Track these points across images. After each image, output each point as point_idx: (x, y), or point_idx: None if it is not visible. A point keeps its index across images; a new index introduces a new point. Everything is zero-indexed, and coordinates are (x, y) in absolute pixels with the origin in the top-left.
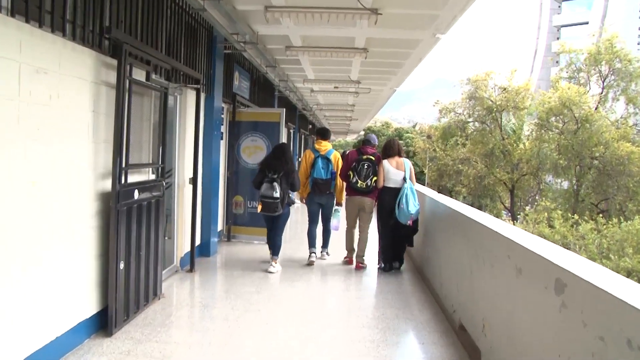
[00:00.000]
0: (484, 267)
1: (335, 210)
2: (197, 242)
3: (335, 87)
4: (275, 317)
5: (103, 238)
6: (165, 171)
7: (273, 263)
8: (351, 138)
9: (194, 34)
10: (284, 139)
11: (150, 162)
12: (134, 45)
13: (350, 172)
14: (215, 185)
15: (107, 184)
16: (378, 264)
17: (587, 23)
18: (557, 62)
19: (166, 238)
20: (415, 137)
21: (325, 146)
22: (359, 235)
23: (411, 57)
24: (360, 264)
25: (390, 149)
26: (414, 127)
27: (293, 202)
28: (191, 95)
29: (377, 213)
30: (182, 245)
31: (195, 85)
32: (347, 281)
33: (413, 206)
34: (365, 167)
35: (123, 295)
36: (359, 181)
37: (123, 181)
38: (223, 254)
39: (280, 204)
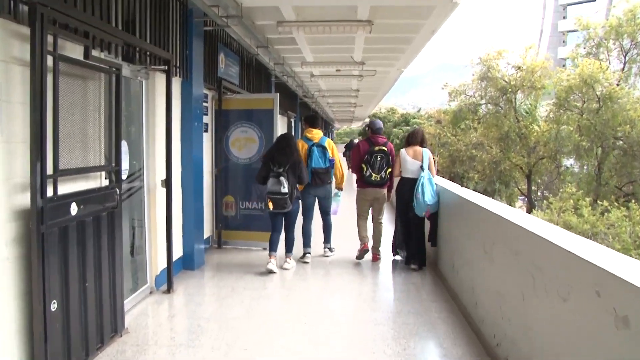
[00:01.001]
0: (547, 297)
1: (335, 194)
2: (178, 254)
3: (337, 70)
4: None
5: (26, 271)
6: (121, 175)
7: (288, 260)
8: (356, 125)
9: (163, 6)
10: (278, 129)
11: (100, 164)
12: (59, 10)
13: (364, 165)
14: (199, 185)
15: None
16: (393, 254)
17: (594, 0)
18: (563, 41)
19: (133, 256)
20: (423, 122)
21: (317, 134)
22: (374, 227)
23: (423, 29)
24: (377, 255)
25: (412, 138)
26: (418, 112)
27: (300, 197)
28: (162, 80)
29: (396, 204)
30: (157, 261)
31: (162, 67)
32: (360, 297)
33: (430, 197)
34: (379, 158)
35: (60, 343)
36: (373, 174)
37: (51, 193)
38: (212, 264)
39: (289, 199)
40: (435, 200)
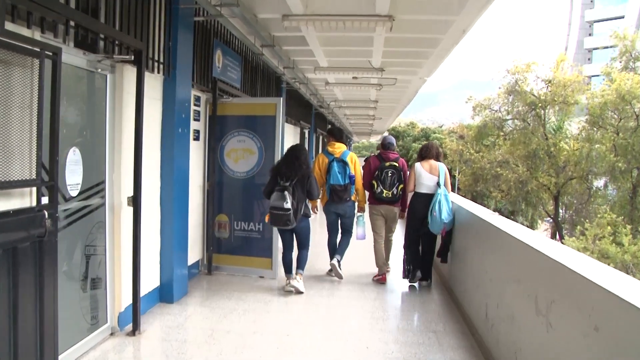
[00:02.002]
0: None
1: (359, 217)
2: (154, 284)
3: (354, 78)
4: None
5: None
6: (56, 192)
7: (297, 277)
8: (375, 139)
9: None
10: (287, 141)
11: (29, 177)
12: None
13: (374, 182)
14: (182, 202)
15: None
16: (403, 274)
17: (622, 17)
18: (589, 59)
19: (87, 290)
20: (444, 137)
21: (339, 148)
22: (384, 244)
23: (452, 28)
24: (384, 274)
25: (427, 152)
26: (440, 127)
27: (309, 214)
28: (133, 76)
29: (407, 220)
30: (121, 295)
31: (125, 57)
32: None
33: (446, 214)
34: (390, 174)
35: None
36: (384, 190)
37: None
38: (198, 295)
39: (293, 216)
40: (451, 218)
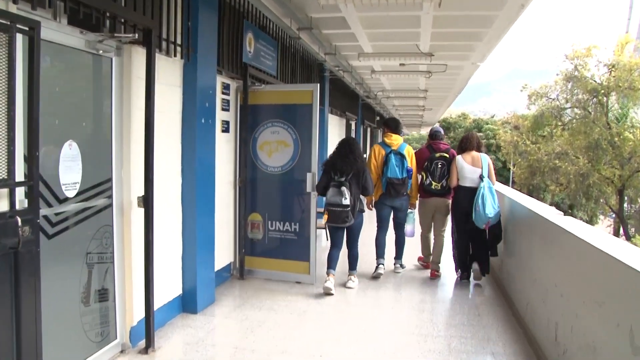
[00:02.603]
0: None
1: (409, 213)
2: (175, 292)
3: (401, 65)
4: None
5: None
6: (37, 194)
7: (352, 278)
8: (425, 131)
9: None
10: (329, 133)
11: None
12: None
13: (423, 173)
14: (206, 201)
15: None
16: (456, 272)
17: None
18: None
19: (90, 304)
20: (498, 128)
21: (396, 140)
22: (434, 240)
23: (508, 3)
24: (436, 272)
25: (467, 143)
26: (492, 117)
27: (364, 210)
28: (143, 58)
29: (452, 216)
30: (132, 307)
31: (128, 35)
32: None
33: (491, 208)
34: (439, 166)
35: None
36: (433, 182)
37: None
38: (225, 304)
39: (351, 212)
40: (497, 211)
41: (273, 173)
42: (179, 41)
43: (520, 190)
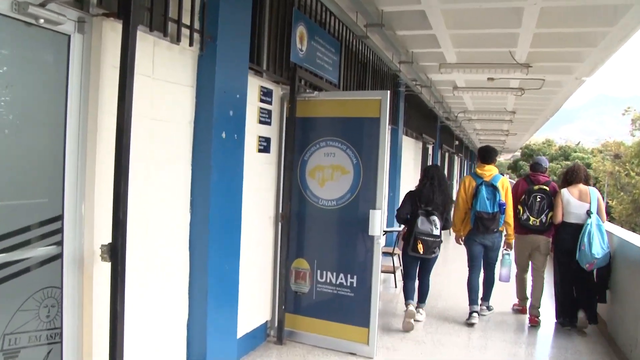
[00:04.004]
0: None
1: (505, 254)
2: None
3: (489, 80)
4: None
5: None
6: None
7: (420, 310)
8: (505, 158)
9: None
10: (403, 156)
11: None
12: None
13: (520, 207)
14: (229, 244)
15: None
16: (556, 318)
17: None
18: None
19: None
20: (587, 156)
21: (489, 170)
22: (533, 281)
23: None
24: (535, 318)
25: (574, 175)
26: (577, 144)
27: (441, 241)
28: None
29: (555, 254)
30: None
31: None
32: None
33: (599, 248)
34: (538, 199)
35: None
36: (530, 217)
37: None
38: None
39: (438, 245)
40: (606, 252)
41: (326, 208)
42: (187, 22)
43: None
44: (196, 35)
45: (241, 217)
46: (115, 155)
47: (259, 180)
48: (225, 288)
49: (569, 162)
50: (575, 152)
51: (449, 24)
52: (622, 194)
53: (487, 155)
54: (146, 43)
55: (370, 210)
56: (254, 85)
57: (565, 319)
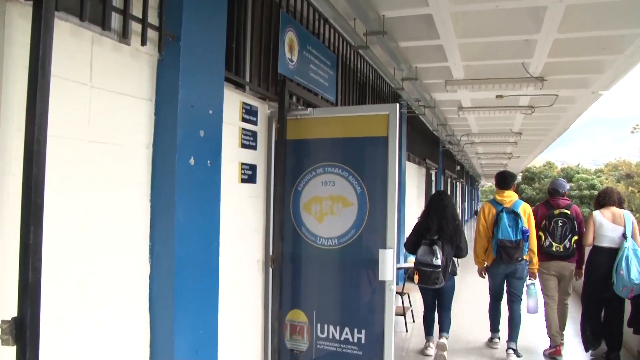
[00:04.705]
0: None
1: (530, 285)
2: None
3: (497, 97)
4: None
5: None
6: None
7: (443, 337)
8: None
9: None
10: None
11: None
12: None
13: (541, 233)
14: (202, 301)
15: None
16: (584, 346)
17: None
18: None
19: None
20: (591, 177)
21: (509, 196)
22: (558, 310)
23: None
24: (559, 347)
25: (607, 198)
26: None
27: (456, 272)
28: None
29: (585, 279)
30: None
31: None
32: None
33: (637, 273)
34: (560, 224)
35: None
36: (553, 243)
37: None
38: None
39: (441, 274)
40: None
41: (325, 248)
42: (142, 15)
43: None
44: (152, 33)
45: (219, 265)
46: (23, 190)
47: (243, 216)
48: (196, 355)
49: (572, 184)
50: (579, 173)
51: (459, 32)
52: (637, 215)
53: (505, 180)
54: (80, 40)
55: (380, 250)
56: (234, 100)
57: (589, 345)
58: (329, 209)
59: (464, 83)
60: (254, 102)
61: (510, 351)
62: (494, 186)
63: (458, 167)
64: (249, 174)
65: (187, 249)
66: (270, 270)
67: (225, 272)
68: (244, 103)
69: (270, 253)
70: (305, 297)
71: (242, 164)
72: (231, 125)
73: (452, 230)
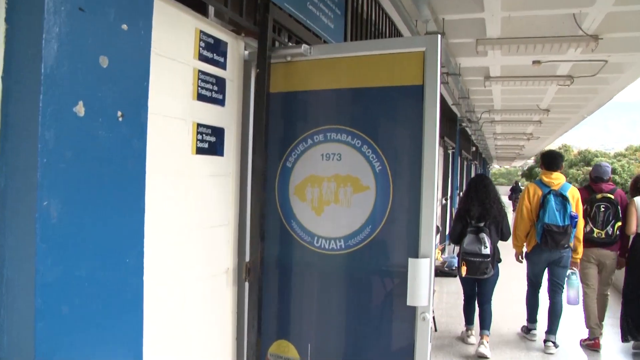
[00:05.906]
0: None
1: (571, 274)
2: None
3: (534, 63)
4: None
5: None
6: None
7: (484, 341)
8: (519, 164)
9: None
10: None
11: None
12: None
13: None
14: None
15: None
16: (622, 339)
17: None
18: None
19: None
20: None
21: (557, 179)
22: (597, 301)
23: None
24: (598, 340)
25: None
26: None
27: (500, 260)
28: None
29: (628, 269)
30: None
31: None
32: None
33: None
34: (602, 209)
35: None
36: (595, 229)
37: None
38: None
39: (490, 263)
40: None
41: (326, 253)
42: None
43: None
44: None
45: (142, 288)
46: None
47: (201, 205)
48: None
49: (589, 168)
50: (597, 157)
51: None
52: None
53: (553, 161)
54: None
55: (410, 260)
56: (184, 25)
57: (627, 336)
58: (333, 196)
59: (498, 42)
60: (221, 34)
61: (550, 344)
62: (502, 169)
63: (473, 149)
64: (210, 142)
65: (68, 269)
66: (246, 284)
67: (164, 295)
68: (202, 32)
69: (246, 259)
70: (295, 323)
71: (199, 125)
72: (177, 63)
73: (497, 211)
